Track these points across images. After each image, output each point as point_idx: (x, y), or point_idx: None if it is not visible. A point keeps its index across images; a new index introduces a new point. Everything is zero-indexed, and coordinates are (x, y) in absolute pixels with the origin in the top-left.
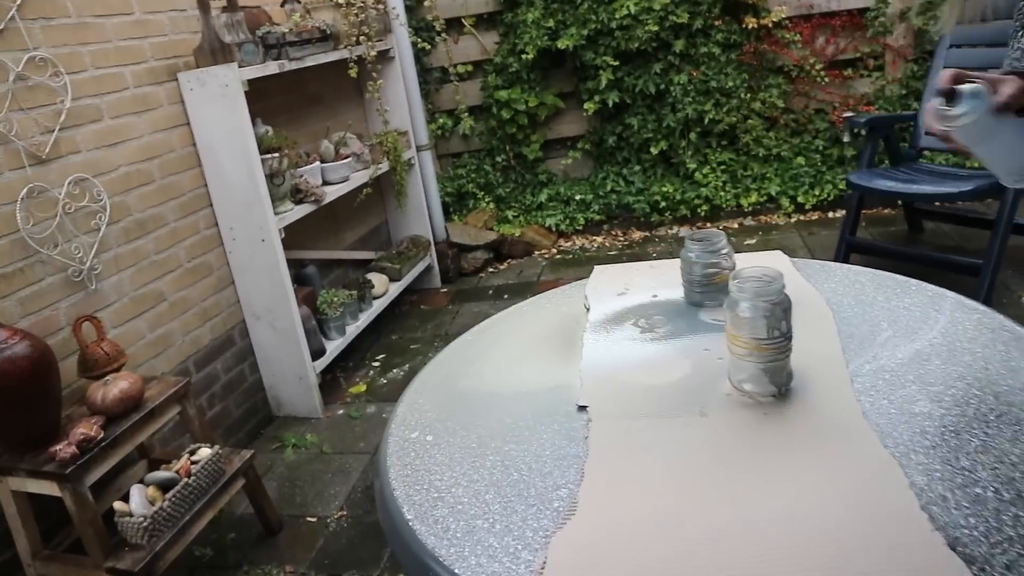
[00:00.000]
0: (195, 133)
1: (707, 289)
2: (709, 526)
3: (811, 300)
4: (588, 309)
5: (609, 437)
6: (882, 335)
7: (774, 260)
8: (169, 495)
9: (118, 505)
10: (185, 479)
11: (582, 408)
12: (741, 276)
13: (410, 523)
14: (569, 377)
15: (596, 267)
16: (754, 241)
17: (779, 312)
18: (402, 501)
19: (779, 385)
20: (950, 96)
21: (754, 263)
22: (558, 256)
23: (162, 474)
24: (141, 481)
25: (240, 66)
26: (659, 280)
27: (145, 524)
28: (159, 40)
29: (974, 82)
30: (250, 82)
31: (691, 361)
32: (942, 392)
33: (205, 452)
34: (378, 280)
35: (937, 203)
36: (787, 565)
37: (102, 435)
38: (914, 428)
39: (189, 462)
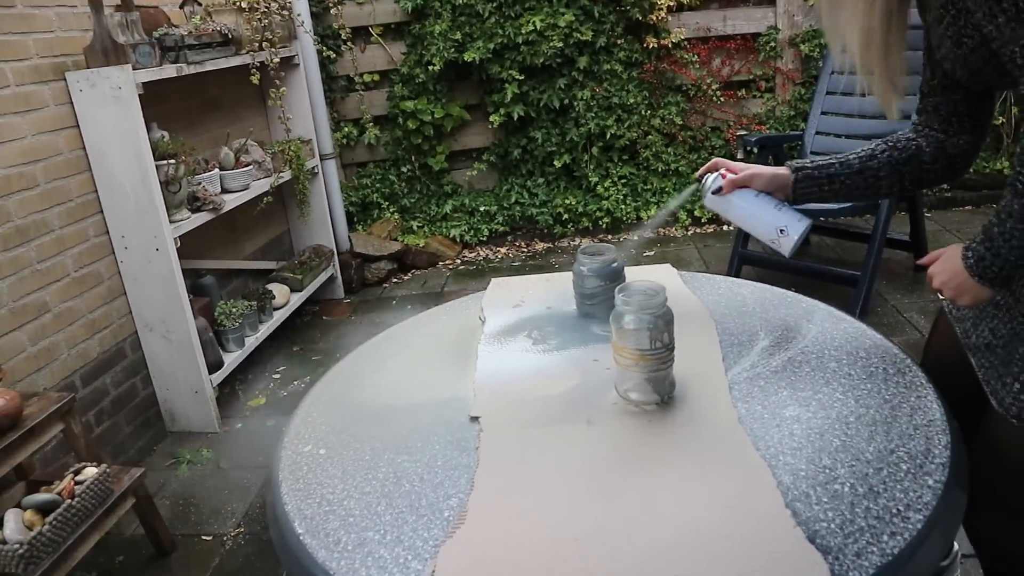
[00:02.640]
0: (84, 136)
1: (598, 301)
2: (594, 531)
3: (696, 312)
4: (483, 321)
5: (499, 447)
6: (759, 344)
7: (663, 274)
8: (50, 519)
9: None
10: (68, 501)
11: (474, 419)
12: (626, 290)
13: (301, 537)
14: (463, 388)
15: (493, 280)
16: (652, 253)
17: (661, 324)
18: (293, 515)
19: (662, 394)
20: (700, 180)
21: (643, 277)
22: (462, 267)
23: (41, 496)
24: (18, 505)
25: (134, 68)
26: (554, 293)
27: (21, 551)
28: (45, 37)
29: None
30: (146, 85)
31: (580, 371)
32: (810, 397)
33: (91, 471)
34: (279, 291)
35: (822, 218)
36: (666, 566)
37: None
38: (783, 431)
39: (73, 483)
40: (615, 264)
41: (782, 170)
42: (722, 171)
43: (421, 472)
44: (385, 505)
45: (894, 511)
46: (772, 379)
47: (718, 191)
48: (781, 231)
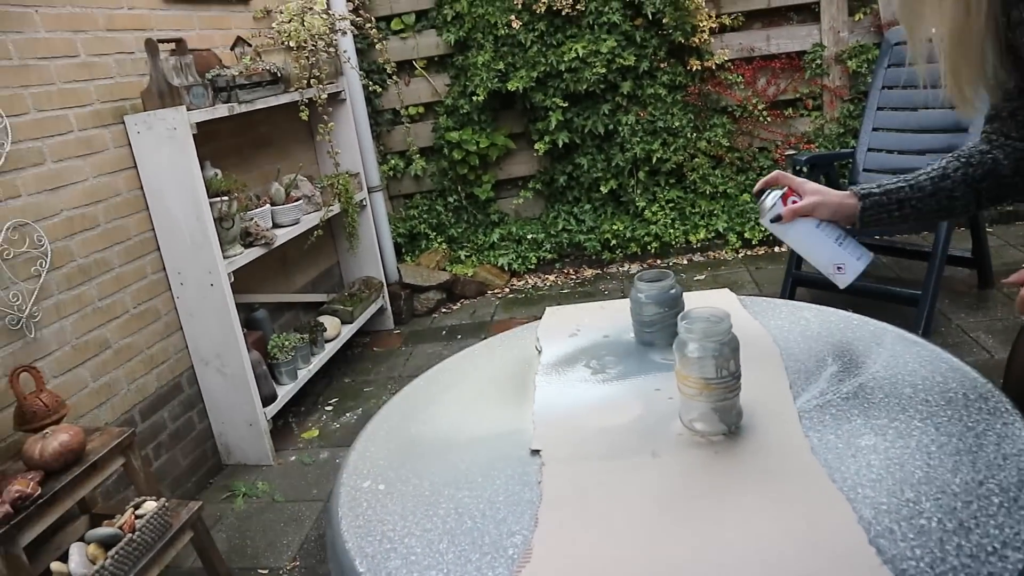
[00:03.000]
0: (142, 176)
1: (657, 329)
2: (663, 568)
3: (758, 337)
4: (540, 351)
5: (562, 481)
6: (827, 370)
7: (722, 298)
8: (112, 552)
9: (55, 566)
10: (129, 535)
11: (535, 452)
12: (689, 317)
13: None
14: (522, 421)
15: (547, 308)
16: (703, 277)
17: (727, 352)
18: (354, 553)
19: (729, 424)
20: (760, 194)
21: (702, 302)
22: (511, 295)
23: (104, 530)
24: (82, 538)
25: (189, 109)
26: (610, 320)
27: None
28: (105, 83)
29: (782, 188)
30: (199, 124)
31: (642, 401)
32: (886, 425)
33: (150, 505)
34: (330, 323)
35: (876, 236)
36: None
37: (39, 491)
38: (860, 462)
39: (133, 516)
40: (673, 290)
41: (848, 199)
42: (783, 191)
43: (483, 508)
44: (447, 543)
45: (989, 549)
46: (844, 407)
47: (777, 219)
48: (839, 268)
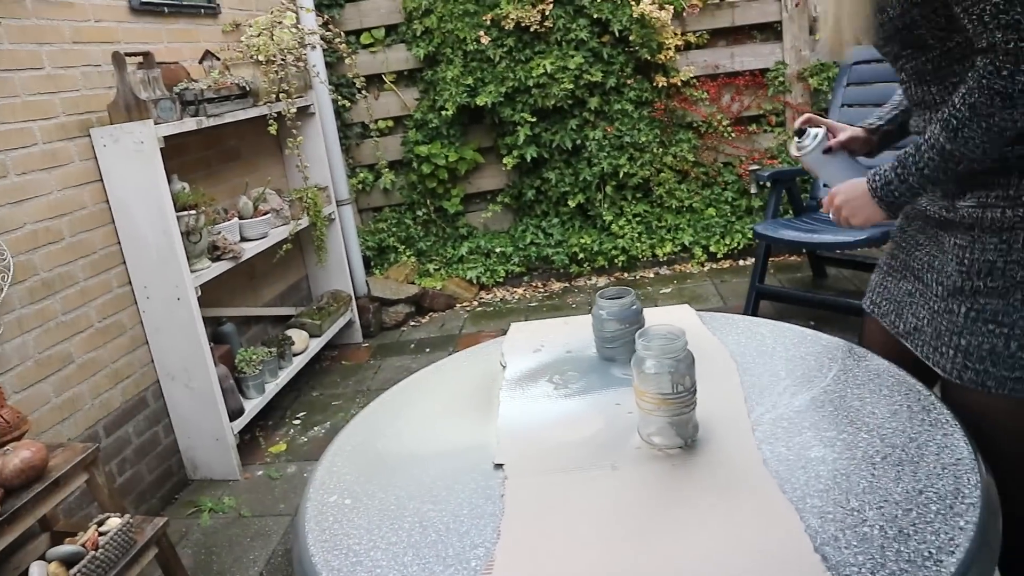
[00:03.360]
0: (108, 190)
1: (618, 344)
2: None
3: (716, 353)
4: (504, 367)
5: (524, 494)
6: (781, 384)
7: (682, 314)
8: (74, 571)
9: None
10: (92, 552)
11: (498, 466)
12: (647, 335)
13: None
14: (486, 435)
15: (512, 324)
16: (669, 290)
17: (683, 368)
18: (320, 567)
19: (686, 437)
20: (801, 133)
21: (662, 318)
22: (479, 308)
23: (66, 548)
24: (42, 557)
25: (156, 122)
26: (573, 336)
27: None
28: (71, 95)
29: (819, 127)
30: (167, 138)
31: (603, 416)
32: (834, 437)
33: (114, 522)
34: (298, 336)
35: (838, 251)
36: None
37: None
38: (809, 473)
39: (97, 534)
40: (634, 307)
41: (865, 134)
42: (825, 129)
43: (447, 521)
44: (412, 555)
45: (926, 554)
46: (795, 420)
47: (828, 151)
48: None
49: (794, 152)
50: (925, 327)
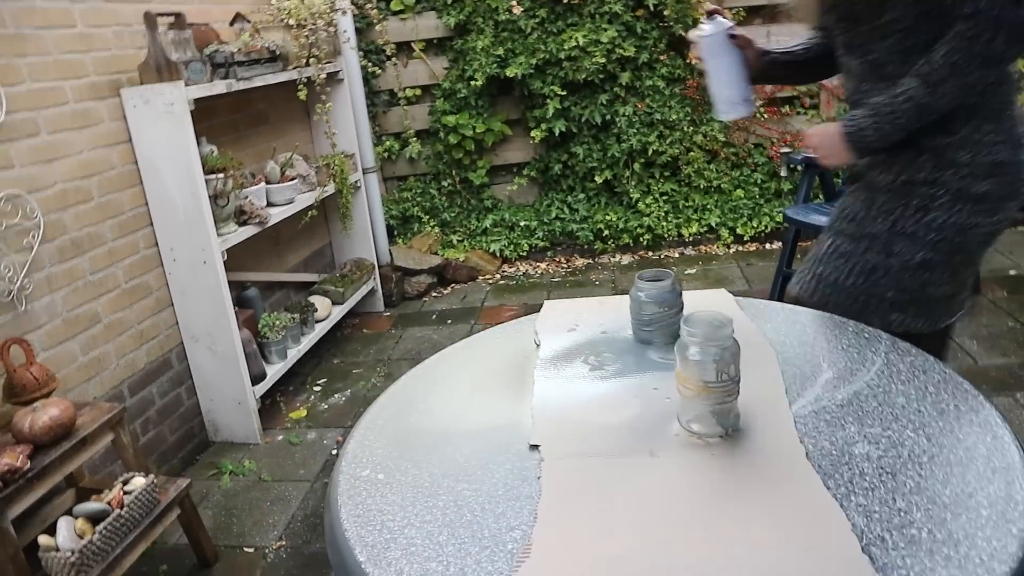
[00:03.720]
0: (137, 151)
1: (656, 328)
2: (662, 568)
3: (755, 341)
4: (538, 345)
5: (561, 477)
6: (822, 376)
7: (719, 299)
8: (100, 528)
9: (43, 539)
10: (117, 511)
11: (534, 447)
12: (692, 320)
13: (363, 566)
14: (520, 414)
15: (546, 302)
16: (694, 271)
17: (728, 356)
18: (354, 542)
19: (727, 426)
20: (711, 16)
21: (701, 302)
22: (502, 282)
23: (93, 505)
24: (69, 512)
25: (186, 84)
26: (607, 317)
27: (73, 559)
28: (102, 55)
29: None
30: (196, 101)
31: (640, 400)
32: (879, 434)
33: (139, 481)
34: (321, 303)
35: None
36: None
37: (28, 465)
38: (854, 470)
39: (122, 492)
40: (673, 290)
41: (759, 50)
42: (733, 21)
43: (482, 501)
44: (447, 535)
45: (976, 561)
46: (838, 413)
47: (733, 37)
48: (745, 100)
49: (700, 32)
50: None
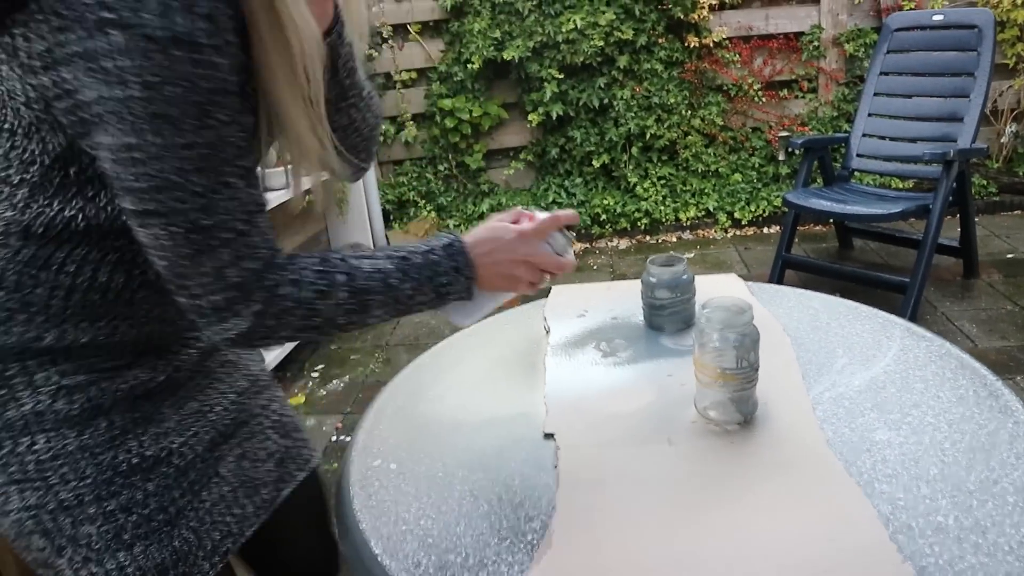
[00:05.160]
0: None
1: (667, 313)
2: (685, 557)
3: (769, 326)
4: (548, 331)
5: (578, 466)
6: (838, 362)
7: (730, 284)
8: None
9: None
10: None
11: (548, 436)
12: (711, 305)
13: (379, 558)
14: (533, 402)
15: (553, 288)
16: (692, 255)
17: (748, 343)
18: (369, 534)
19: (745, 414)
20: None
21: (711, 287)
22: None
23: None
24: None
25: None
26: (617, 302)
27: None
28: None
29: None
30: None
31: (655, 387)
32: (899, 420)
33: None
34: None
35: (872, 224)
36: None
37: None
38: (875, 456)
39: None
40: (685, 276)
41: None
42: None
43: (499, 492)
44: (464, 526)
45: (1006, 548)
46: (857, 400)
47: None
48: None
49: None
50: None
